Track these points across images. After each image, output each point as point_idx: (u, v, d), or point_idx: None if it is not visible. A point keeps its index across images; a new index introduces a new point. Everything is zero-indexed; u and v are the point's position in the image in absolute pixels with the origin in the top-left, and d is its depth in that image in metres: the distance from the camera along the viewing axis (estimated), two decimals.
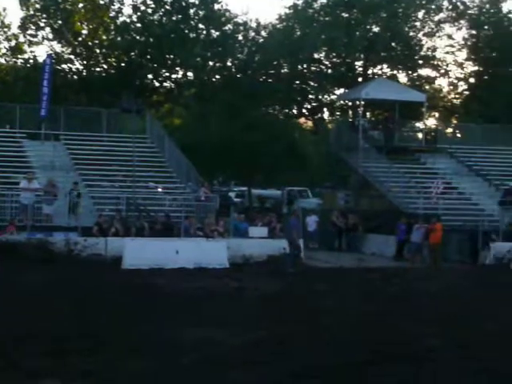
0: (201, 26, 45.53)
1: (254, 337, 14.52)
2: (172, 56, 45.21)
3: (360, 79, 46.75)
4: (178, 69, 46.56)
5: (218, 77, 46.69)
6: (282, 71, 46.79)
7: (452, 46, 48.59)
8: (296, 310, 18.01)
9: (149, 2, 45.21)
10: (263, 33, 47.18)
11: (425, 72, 49.04)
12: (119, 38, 44.94)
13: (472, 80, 49.59)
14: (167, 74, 46.72)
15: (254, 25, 46.85)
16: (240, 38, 46.49)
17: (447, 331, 15.59)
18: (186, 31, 44.88)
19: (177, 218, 29.60)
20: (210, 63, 46.13)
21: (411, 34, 47.31)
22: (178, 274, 24.08)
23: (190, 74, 46.59)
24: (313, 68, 47.55)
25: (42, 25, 45.00)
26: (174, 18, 44.99)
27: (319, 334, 15.05)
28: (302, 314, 17.40)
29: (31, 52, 45.66)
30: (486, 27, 48.40)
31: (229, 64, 46.30)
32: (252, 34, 46.75)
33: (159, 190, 34.50)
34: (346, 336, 14.77)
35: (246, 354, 13.13)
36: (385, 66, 47.89)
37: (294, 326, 15.78)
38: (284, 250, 27.38)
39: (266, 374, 11.76)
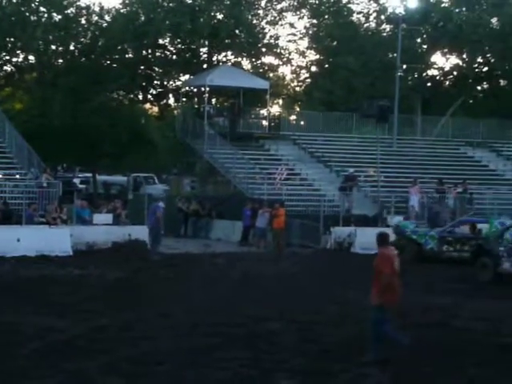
0: (42, 8, 44.44)
1: (97, 324, 14.44)
2: (12, 39, 43.93)
3: (205, 66, 46.90)
4: (18, 52, 45.31)
5: (60, 61, 45.76)
6: (127, 56, 46.30)
7: (294, 34, 49.41)
8: (140, 297, 18.00)
9: None
10: (107, 17, 46.52)
11: (268, 60, 49.73)
12: None
13: (314, 68, 50.70)
14: (7, 58, 45.39)
15: (97, 9, 46.14)
16: (83, 21, 45.68)
17: (288, 314, 15.96)
18: (27, 14, 43.71)
19: (18, 206, 28.89)
20: (53, 47, 45.14)
21: (254, 21, 47.82)
22: (19, 262, 23.55)
23: (31, 57, 45.44)
24: (158, 53, 47.36)
25: None
26: (14, 1, 43.69)
27: (164, 320, 15.12)
28: (146, 301, 17.41)
29: None
30: (326, 17, 49.55)
31: (72, 48, 45.42)
32: (95, 18, 46.01)
33: None
34: (190, 321, 14.90)
35: (88, 341, 13.05)
36: (229, 53, 48.20)
37: (138, 312, 15.77)
38: (129, 236, 27.37)
39: (109, 361, 11.72)
